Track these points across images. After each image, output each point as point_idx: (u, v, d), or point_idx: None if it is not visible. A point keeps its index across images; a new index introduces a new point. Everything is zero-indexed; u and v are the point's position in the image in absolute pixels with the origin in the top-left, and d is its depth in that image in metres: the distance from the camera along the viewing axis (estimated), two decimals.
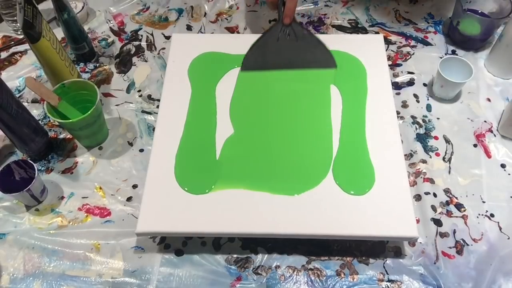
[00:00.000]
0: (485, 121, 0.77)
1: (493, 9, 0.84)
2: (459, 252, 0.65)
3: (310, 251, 0.65)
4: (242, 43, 0.75)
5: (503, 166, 0.72)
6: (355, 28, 0.91)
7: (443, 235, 0.66)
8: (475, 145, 0.74)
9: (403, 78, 0.83)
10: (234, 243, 0.66)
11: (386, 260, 0.64)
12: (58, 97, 0.68)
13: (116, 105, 0.80)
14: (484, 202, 0.69)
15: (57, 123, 0.77)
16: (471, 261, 0.64)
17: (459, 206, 0.68)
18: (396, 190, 0.62)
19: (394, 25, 0.91)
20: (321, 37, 0.80)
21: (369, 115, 0.69)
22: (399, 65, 0.85)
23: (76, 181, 0.72)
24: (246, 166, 0.65)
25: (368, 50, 0.77)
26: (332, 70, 0.74)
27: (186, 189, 0.63)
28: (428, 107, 0.79)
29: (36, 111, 0.79)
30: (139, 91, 0.82)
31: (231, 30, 0.91)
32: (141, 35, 0.90)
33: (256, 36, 0.72)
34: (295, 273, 0.63)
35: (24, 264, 0.64)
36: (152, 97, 0.81)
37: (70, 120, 0.66)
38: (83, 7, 0.91)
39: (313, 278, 0.63)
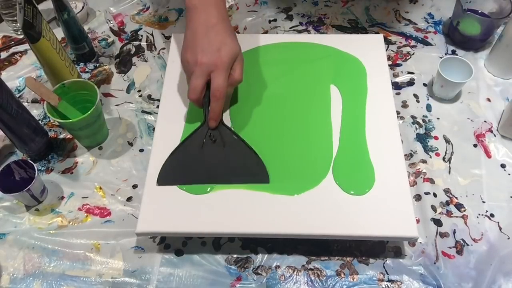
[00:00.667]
0: (485, 121, 0.77)
1: (493, 9, 0.84)
2: (459, 252, 0.65)
3: (310, 251, 0.65)
4: (242, 43, 0.75)
5: (503, 166, 0.72)
6: (355, 28, 0.91)
7: (443, 235, 0.66)
8: (475, 145, 0.74)
9: (403, 78, 0.83)
10: (234, 243, 0.66)
11: (386, 260, 0.64)
12: (58, 97, 0.68)
13: (116, 105, 0.80)
14: (484, 202, 0.69)
15: (57, 123, 0.77)
16: (471, 261, 0.64)
17: (459, 206, 0.68)
18: (396, 190, 0.62)
19: (394, 25, 0.91)
20: (321, 37, 0.81)
21: (369, 115, 0.69)
22: (399, 65, 0.85)
23: (76, 181, 0.72)
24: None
25: (368, 50, 0.77)
26: (332, 70, 0.74)
27: (185, 189, 0.63)
28: (428, 107, 0.79)
29: (36, 111, 0.79)
30: (139, 91, 0.82)
31: None
32: (141, 35, 0.90)
33: (256, 36, 0.72)
34: (295, 273, 0.63)
35: (24, 264, 0.64)
36: (152, 97, 0.81)
37: (70, 120, 0.66)
38: (83, 7, 0.91)
39: (313, 278, 0.63)
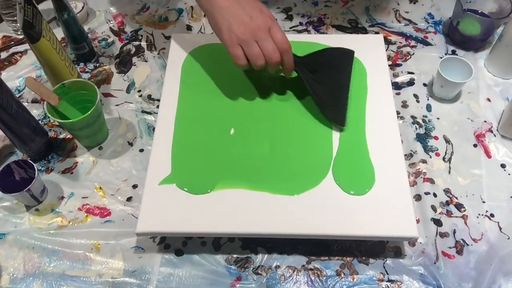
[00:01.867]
0: (485, 121, 0.77)
1: (493, 9, 0.84)
2: (459, 252, 0.65)
3: (310, 251, 0.65)
4: None
5: (503, 166, 0.72)
6: (355, 28, 0.91)
7: (443, 235, 0.66)
8: (475, 145, 0.74)
9: (403, 78, 0.83)
10: (234, 243, 0.66)
11: (386, 260, 0.64)
12: (58, 97, 0.68)
13: (116, 105, 0.80)
14: (484, 202, 0.69)
15: (57, 123, 0.77)
16: (471, 261, 0.64)
17: (459, 206, 0.68)
18: (396, 190, 0.62)
19: (394, 25, 0.91)
20: (321, 37, 0.81)
21: (369, 115, 0.69)
22: (399, 65, 0.85)
23: (76, 181, 0.72)
24: (246, 166, 0.65)
25: (368, 50, 0.77)
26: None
27: (185, 189, 0.63)
28: (428, 107, 0.79)
29: (36, 111, 0.79)
30: (139, 91, 0.82)
31: None
32: (141, 35, 0.90)
33: None
34: (295, 273, 0.63)
35: (24, 264, 0.64)
36: (152, 97, 0.81)
37: (70, 120, 0.66)
38: (83, 7, 0.91)
39: (313, 278, 0.63)
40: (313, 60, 0.69)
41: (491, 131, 0.76)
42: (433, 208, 0.68)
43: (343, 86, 0.70)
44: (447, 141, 0.75)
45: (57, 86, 0.69)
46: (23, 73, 0.85)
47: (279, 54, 0.63)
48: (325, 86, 0.68)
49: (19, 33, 0.91)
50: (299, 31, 0.90)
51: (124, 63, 0.86)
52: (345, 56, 0.72)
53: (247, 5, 0.63)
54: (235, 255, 0.65)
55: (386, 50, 0.85)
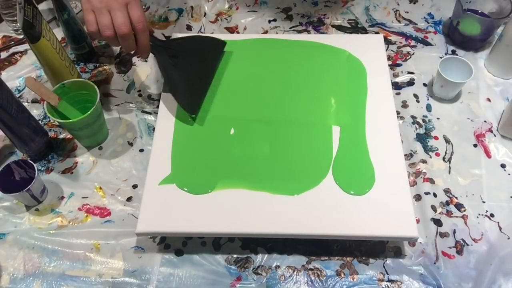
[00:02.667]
0: (485, 121, 0.77)
1: (493, 9, 0.84)
2: (459, 252, 0.65)
3: (310, 251, 0.65)
4: (242, 43, 0.75)
5: (503, 166, 0.72)
6: (355, 28, 0.91)
7: (443, 235, 0.66)
8: (475, 145, 0.74)
9: (403, 78, 0.83)
10: (234, 243, 0.66)
11: (386, 260, 0.64)
12: (58, 97, 0.68)
13: (116, 105, 0.80)
14: (484, 202, 0.69)
15: (57, 123, 0.77)
16: (471, 261, 0.64)
17: (459, 206, 0.68)
18: (396, 190, 0.62)
19: (394, 25, 0.91)
20: (321, 37, 0.81)
21: (369, 115, 0.69)
22: (399, 65, 0.85)
23: (76, 181, 0.72)
24: (246, 166, 0.65)
25: (368, 50, 0.77)
26: (332, 70, 0.74)
27: (185, 189, 0.63)
28: (428, 107, 0.79)
29: (36, 111, 0.79)
30: (139, 91, 0.82)
31: (231, 30, 0.91)
32: None
33: (256, 36, 0.72)
34: (295, 273, 0.63)
35: (24, 264, 0.64)
36: (152, 97, 0.81)
37: (70, 120, 0.66)
38: None
39: (313, 278, 0.63)
40: (176, 45, 0.70)
41: (491, 131, 0.76)
42: (433, 208, 0.68)
43: (203, 75, 0.70)
44: (447, 141, 0.75)
45: (57, 86, 0.69)
46: (23, 73, 0.85)
47: (130, 28, 0.61)
48: (181, 72, 0.68)
49: (19, 33, 0.91)
50: (299, 31, 0.90)
51: (124, 63, 0.86)
52: (214, 46, 0.73)
53: None
54: (235, 255, 0.65)
55: (386, 50, 0.85)
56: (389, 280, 0.63)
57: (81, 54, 0.85)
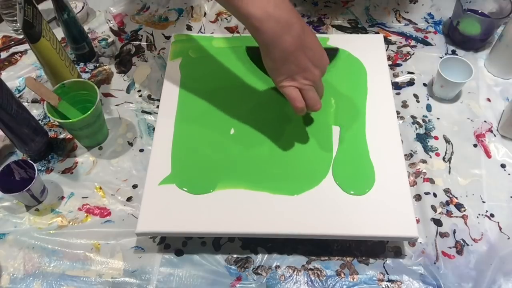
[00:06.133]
0: (485, 121, 0.77)
1: (493, 9, 0.84)
2: (459, 252, 0.65)
3: (310, 251, 0.65)
4: (241, 43, 0.75)
5: (503, 166, 0.72)
6: (355, 28, 0.91)
7: (443, 235, 0.66)
8: (475, 145, 0.74)
9: (403, 78, 0.83)
10: (234, 243, 0.66)
11: (386, 260, 0.64)
12: (58, 97, 0.68)
13: (116, 105, 0.80)
14: (484, 202, 0.69)
15: (57, 123, 0.77)
16: (471, 261, 0.64)
17: (459, 206, 0.68)
18: (396, 190, 0.62)
19: (394, 25, 0.91)
20: (321, 37, 0.81)
21: (369, 115, 0.69)
22: (399, 65, 0.85)
23: (76, 181, 0.72)
24: (246, 166, 0.65)
25: (368, 50, 0.77)
26: (332, 70, 0.74)
27: (185, 189, 0.63)
28: (428, 107, 0.79)
29: (36, 111, 0.79)
30: (139, 91, 0.82)
31: (231, 30, 0.91)
32: (141, 35, 0.90)
33: None
34: (295, 273, 0.63)
35: (24, 264, 0.64)
36: (152, 97, 0.81)
37: (70, 120, 0.66)
38: (83, 7, 0.91)
39: (313, 278, 0.63)
40: None
41: (491, 131, 0.76)
42: (433, 208, 0.68)
43: None
44: (447, 141, 0.75)
45: (57, 86, 0.69)
46: (23, 73, 0.85)
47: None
48: None
49: (19, 33, 0.91)
50: None
51: (124, 63, 0.86)
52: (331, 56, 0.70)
53: (310, 51, 0.57)
54: (235, 255, 0.65)
55: (386, 50, 0.85)
56: (389, 280, 0.63)
57: (81, 54, 0.85)
